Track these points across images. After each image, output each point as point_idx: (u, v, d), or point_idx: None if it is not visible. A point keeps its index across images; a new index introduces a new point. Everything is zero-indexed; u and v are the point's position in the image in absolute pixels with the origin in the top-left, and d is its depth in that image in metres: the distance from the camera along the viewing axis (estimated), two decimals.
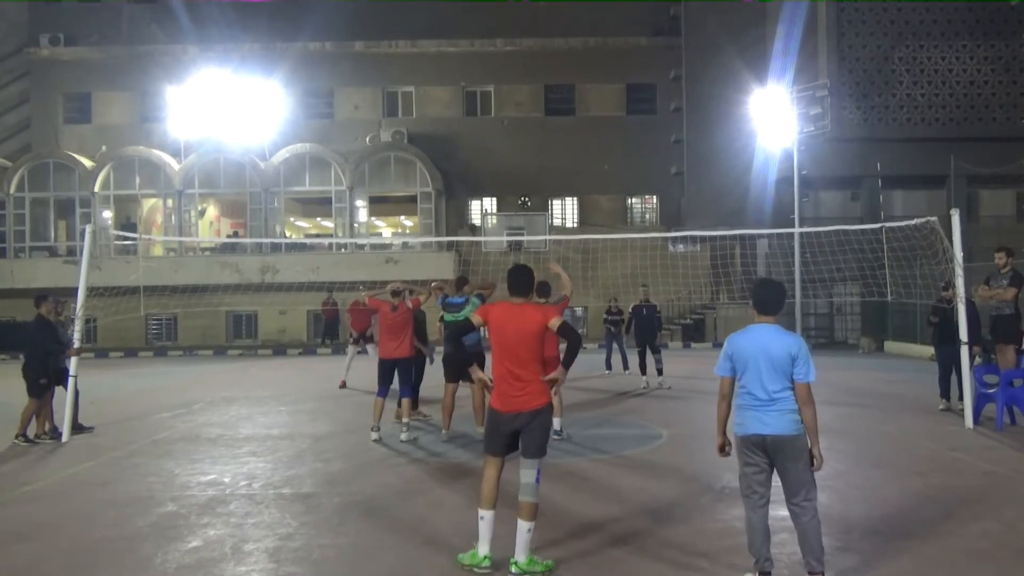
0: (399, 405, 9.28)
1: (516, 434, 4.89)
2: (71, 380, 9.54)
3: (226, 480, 7.36)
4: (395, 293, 9.47)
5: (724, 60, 25.08)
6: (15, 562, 5.18)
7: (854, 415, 10.66)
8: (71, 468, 8.03)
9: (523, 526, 4.75)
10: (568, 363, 4.90)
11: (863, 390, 13.20)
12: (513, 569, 4.74)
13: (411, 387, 9.30)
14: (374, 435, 9.05)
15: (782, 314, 18.52)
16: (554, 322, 4.89)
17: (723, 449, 4.67)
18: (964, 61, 24.67)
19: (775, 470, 4.49)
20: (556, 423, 8.89)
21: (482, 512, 4.86)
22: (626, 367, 15.90)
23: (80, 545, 5.52)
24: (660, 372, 13.65)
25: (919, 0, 24.67)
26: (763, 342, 4.46)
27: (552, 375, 4.95)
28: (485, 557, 4.81)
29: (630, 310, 14.29)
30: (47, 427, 9.57)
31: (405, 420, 9.15)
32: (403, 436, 9.02)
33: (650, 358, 13.75)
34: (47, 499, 6.81)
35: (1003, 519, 5.75)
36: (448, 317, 9.07)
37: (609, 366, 16.17)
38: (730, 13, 25.75)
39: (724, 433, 4.66)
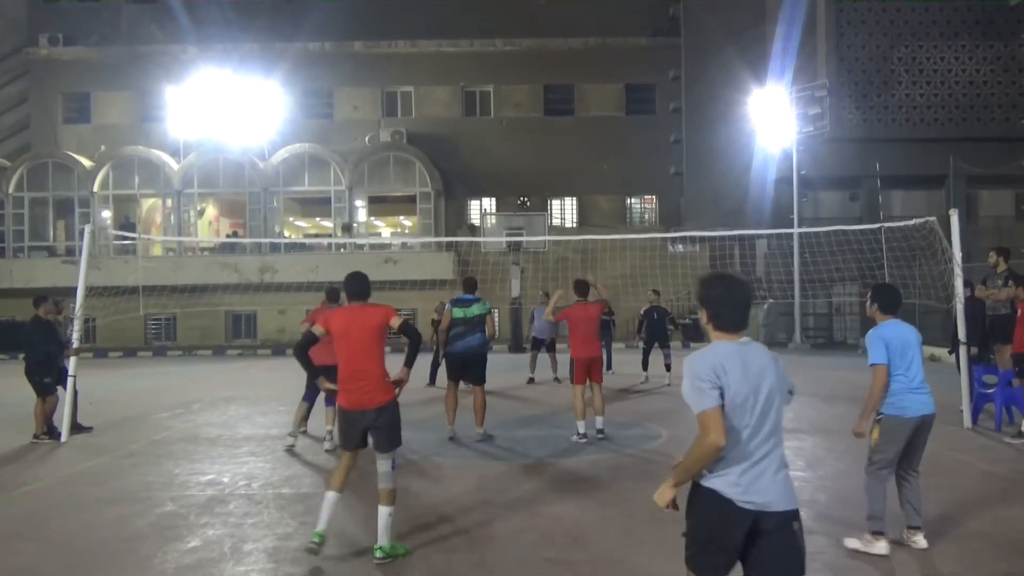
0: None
1: (368, 431, 5.20)
2: (70, 380, 9.53)
3: (225, 480, 7.36)
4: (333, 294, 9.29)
5: (723, 60, 25.10)
6: (15, 562, 5.18)
7: (853, 415, 10.62)
8: (70, 468, 8.02)
9: (383, 511, 5.05)
10: (410, 362, 5.24)
11: (862, 390, 13.16)
12: (378, 554, 5.00)
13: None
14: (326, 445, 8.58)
15: (782, 313, 18.58)
16: (395, 321, 5.22)
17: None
18: (963, 61, 24.68)
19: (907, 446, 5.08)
20: (599, 421, 8.92)
21: (327, 492, 5.19)
22: (609, 367, 15.81)
23: (79, 545, 5.51)
24: (668, 368, 13.91)
25: (918, 0, 24.69)
26: (906, 333, 5.11)
27: (396, 376, 5.24)
28: (316, 534, 5.06)
29: (642, 313, 14.58)
30: (45, 427, 9.56)
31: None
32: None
33: (658, 355, 14.19)
34: (46, 499, 6.80)
35: (1002, 519, 5.75)
36: (458, 312, 8.90)
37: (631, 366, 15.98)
38: (729, 13, 25.76)
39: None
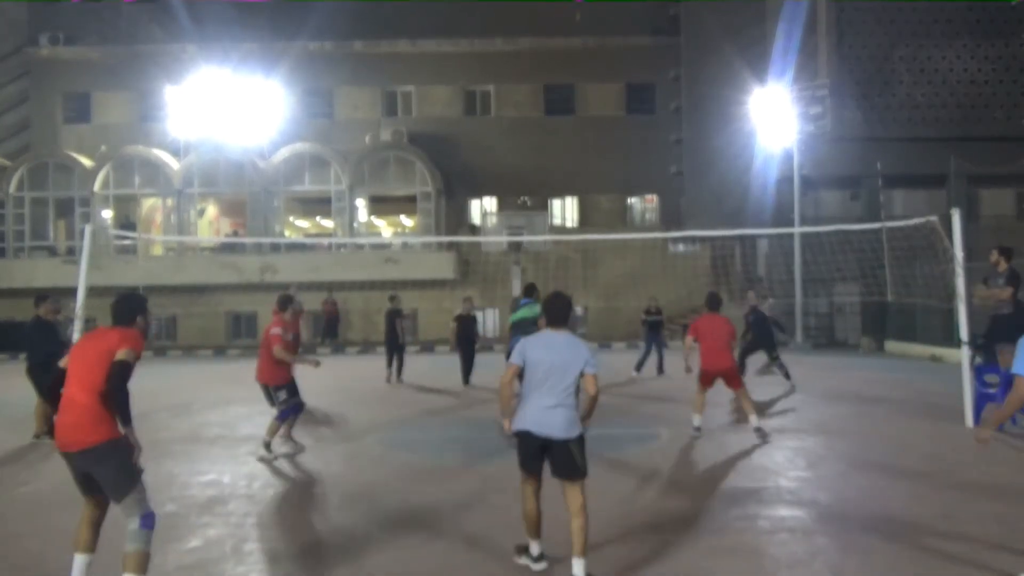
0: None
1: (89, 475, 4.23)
2: None
3: (225, 480, 7.35)
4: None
5: (724, 59, 25.11)
6: (15, 562, 5.17)
7: (854, 415, 10.65)
8: None
9: None
10: (123, 420, 4.16)
11: (863, 390, 13.19)
12: None
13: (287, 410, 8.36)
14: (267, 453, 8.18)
15: (785, 313, 18.30)
16: (120, 354, 4.15)
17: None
18: (964, 61, 24.66)
19: None
20: (755, 419, 8.83)
21: (75, 556, 4.31)
22: (661, 370, 15.26)
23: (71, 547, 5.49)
24: (787, 377, 13.60)
25: (919, 0, 24.67)
26: None
27: (133, 444, 4.23)
28: None
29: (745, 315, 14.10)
30: (46, 427, 9.55)
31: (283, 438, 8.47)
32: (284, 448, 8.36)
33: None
34: (47, 498, 6.79)
35: (1004, 520, 5.73)
36: (513, 316, 9.60)
37: (639, 368, 15.34)
38: (730, 12, 25.77)
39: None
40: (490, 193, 28.93)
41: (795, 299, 22.79)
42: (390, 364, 15.10)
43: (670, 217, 28.34)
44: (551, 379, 4.63)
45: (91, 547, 4.33)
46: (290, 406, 8.30)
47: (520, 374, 4.76)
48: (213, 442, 9.26)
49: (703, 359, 8.98)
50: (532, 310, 9.42)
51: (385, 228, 34.78)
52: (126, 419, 4.17)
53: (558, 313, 4.89)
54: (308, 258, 26.17)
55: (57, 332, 9.68)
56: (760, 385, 14.16)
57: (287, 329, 8.33)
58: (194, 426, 10.47)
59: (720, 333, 8.96)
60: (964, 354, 9.47)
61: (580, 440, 4.67)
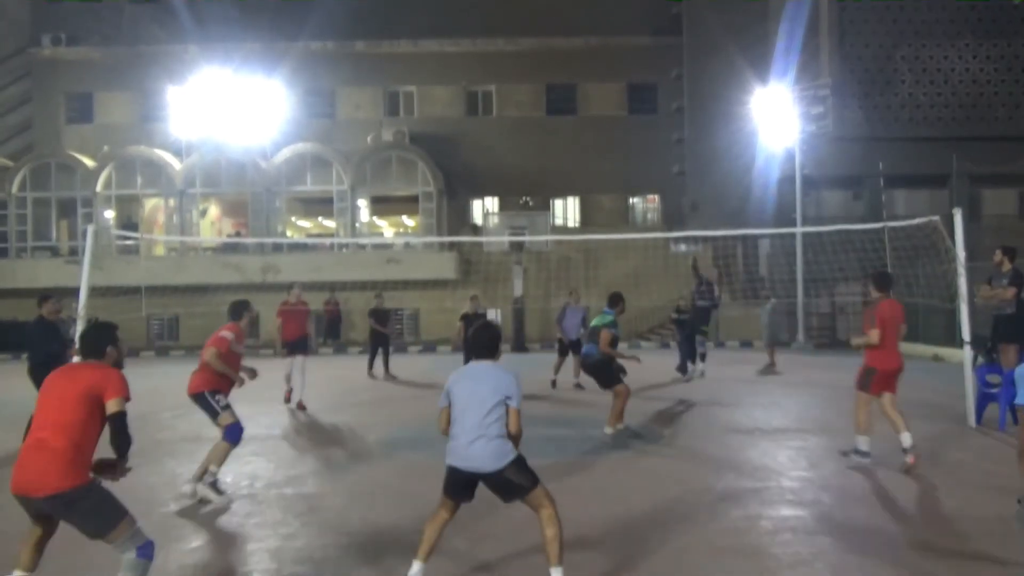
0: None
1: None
2: None
3: (228, 480, 7.36)
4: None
5: (726, 59, 25.10)
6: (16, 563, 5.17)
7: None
8: None
9: None
10: (122, 452, 4.17)
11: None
12: None
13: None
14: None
15: (787, 313, 18.79)
16: (111, 405, 4.01)
17: None
18: (966, 60, 24.65)
19: None
20: (907, 438, 7.51)
21: (15, 572, 4.06)
22: (681, 367, 15.21)
23: (81, 545, 5.49)
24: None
25: None
26: None
27: (114, 473, 4.19)
28: None
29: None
30: None
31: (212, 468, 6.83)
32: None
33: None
34: None
35: (1005, 520, 5.72)
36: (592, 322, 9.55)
37: (703, 368, 15.03)
38: (732, 12, 25.76)
39: None
40: (492, 193, 28.93)
41: (797, 299, 22.78)
42: (377, 360, 15.85)
43: (672, 216, 28.33)
44: (470, 411, 4.46)
45: (32, 567, 4.10)
46: (237, 421, 7.05)
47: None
48: (215, 442, 9.25)
49: (878, 358, 7.30)
50: (603, 319, 9.16)
51: (387, 228, 34.78)
52: (122, 451, 4.18)
53: (478, 346, 4.74)
54: (310, 258, 26.17)
55: (59, 332, 9.67)
56: (763, 384, 14.16)
57: (238, 339, 7.36)
58: (196, 426, 10.46)
59: (900, 323, 7.24)
60: (966, 354, 9.46)
61: (515, 463, 4.44)
